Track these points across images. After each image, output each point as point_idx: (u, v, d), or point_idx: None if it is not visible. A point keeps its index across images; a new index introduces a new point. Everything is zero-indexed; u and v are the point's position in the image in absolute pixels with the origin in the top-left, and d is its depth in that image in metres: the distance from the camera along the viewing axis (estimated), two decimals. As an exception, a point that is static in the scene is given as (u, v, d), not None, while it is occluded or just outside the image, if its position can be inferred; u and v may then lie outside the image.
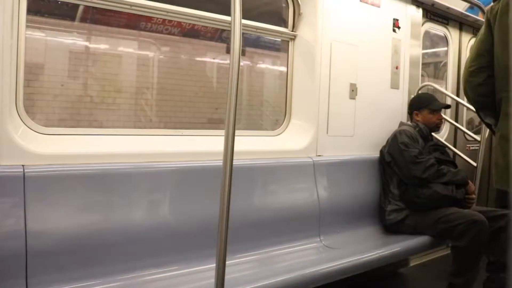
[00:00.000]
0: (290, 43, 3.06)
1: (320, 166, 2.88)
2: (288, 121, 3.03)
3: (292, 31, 3.04)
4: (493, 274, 2.81)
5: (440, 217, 2.75)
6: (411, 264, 3.72)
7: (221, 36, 3.38)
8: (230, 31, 1.58)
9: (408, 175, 2.89)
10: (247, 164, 2.53)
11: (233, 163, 1.65)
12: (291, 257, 2.49)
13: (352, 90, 3.18)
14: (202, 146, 2.52)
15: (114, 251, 2.03)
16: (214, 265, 1.61)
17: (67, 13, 2.71)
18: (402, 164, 2.92)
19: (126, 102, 3.09)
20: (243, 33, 1.68)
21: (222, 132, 1.66)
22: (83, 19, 2.78)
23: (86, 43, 2.92)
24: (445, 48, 4.60)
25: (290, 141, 2.92)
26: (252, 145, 2.73)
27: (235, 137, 1.64)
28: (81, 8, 2.70)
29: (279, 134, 2.99)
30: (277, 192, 2.67)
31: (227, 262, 1.63)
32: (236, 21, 1.56)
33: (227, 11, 1.68)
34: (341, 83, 3.11)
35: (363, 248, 2.62)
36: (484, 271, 2.77)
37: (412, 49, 3.69)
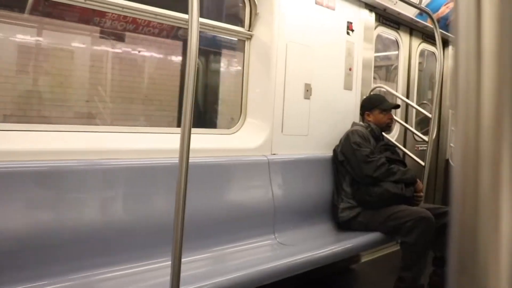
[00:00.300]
0: (246, 43, 3.09)
1: (275, 164, 2.91)
2: (243, 120, 3.05)
3: (249, 30, 3.06)
4: (438, 268, 2.95)
5: (390, 214, 2.85)
6: (363, 260, 3.83)
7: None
8: (186, 28, 1.58)
9: (360, 174, 2.98)
10: (202, 162, 2.53)
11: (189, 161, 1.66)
12: (246, 254, 2.51)
13: (307, 90, 3.24)
14: (156, 143, 2.50)
15: (65, 250, 1.97)
16: (170, 263, 1.60)
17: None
18: (354, 163, 3.00)
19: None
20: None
21: (178, 130, 1.65)
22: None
23: (31, 36, 2.86)
24: (396, 52, 4.77)
25: (246, 140, 2.94)
26: (207, 143, 2.73)
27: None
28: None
29: (234, 133, 3.00)
30: (232, 190, 2.69)
31: (182, 260, 1.62)
32: (194, 19, 1.56)
33: (182, 8, 1.68)
34: (296, 83, 3.16)
35: (316, 244, 2.68)
36: (431, 266, 2.89)
37: (365, 52, 3.80)
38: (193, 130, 2.60)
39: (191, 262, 2.24)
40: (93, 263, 2.03)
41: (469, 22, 0.52)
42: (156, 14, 2.63)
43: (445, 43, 5.16)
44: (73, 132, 2.30)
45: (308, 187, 3.12)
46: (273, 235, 2.78)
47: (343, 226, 3.08)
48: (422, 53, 5.04)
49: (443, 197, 4.99)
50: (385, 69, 5.37)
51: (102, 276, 2.02)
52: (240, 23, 3.09)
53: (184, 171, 1.64)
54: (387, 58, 5.28)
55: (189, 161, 1.64)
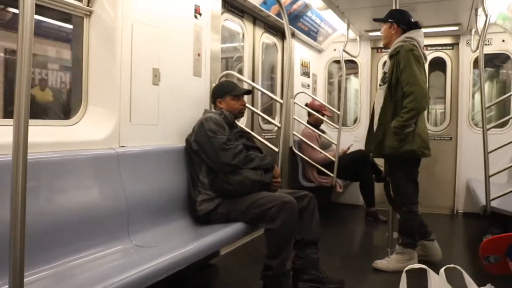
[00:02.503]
0: (85, 20, 2.66)
1: (124, 157, 2.58)
2: (84, 109, 2.64)
3: (88, 6, 2.65)
4: (300, 251, 2.95)
5: (252, 202, 2.75)
6: (222, 253, 3.71)
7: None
8: None
9: (218, 162, 2.82)
10: (37, 159, 2.07)
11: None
12: (98, 263, 2.13)
13: (155, 76, 2.96)
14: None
15: None
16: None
17: None
18: (211, 151, 2.84)
19: None
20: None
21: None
22: None
23: None
24: (238, 44, 4.76)
25: (89, 131, 2.54)
26: (40, 136, 2.27)
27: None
28: None
29: (75, 123, 2.58)
30: (78, 190, 2.28)
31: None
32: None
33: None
34: (144, 68, 2.86)
35: (176, 243, 2.43)
36: (292, 250, 2.87)
37: (213, 37, 3.65)
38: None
39: (32, 283, 1.82)
40: None
41: None
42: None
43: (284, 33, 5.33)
44: None
45: (163, 181, 2.85)
46: (128, 238, 2.44)
47: (202, 220, 2.88)
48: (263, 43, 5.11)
49: (289, 182, 5.16)
50: (225, 61, 5.32)
51: None
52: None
53: (21, 170, 1.32)
54: (228, 50, 5.27)
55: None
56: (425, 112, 5.90)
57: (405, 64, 3.29)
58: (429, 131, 5.64)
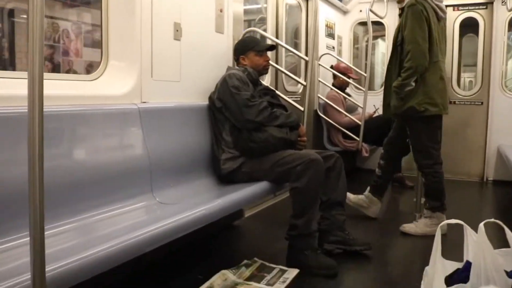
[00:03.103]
0: (103, -29, 2.56)
1: (147, 113, 2.51)
2: (105, 63, 2.56)
3: (105, -46, 2.54)
4: (326, 212, 2.87)
5: (277, 160, 2.65)
6: (246, 215, 3.66)
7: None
8: None
9: (241, 119, 2.73)
10: (58, 111, 2.02)
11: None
12: (121, 219, 2.09)
13: (177, 30, 2.85)
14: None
15: None
16: (28, 239, 1.23)
17: None
18: (235, 108, 2.74)
19: None
20: None
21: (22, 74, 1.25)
22: None
23: None
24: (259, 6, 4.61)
25: (110, 86, 2.46)
26: (61, 89, 2.21)
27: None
28: None
29: (96, 78, 2.49)
30: (99, 145, 2.22)
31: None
32: None
33: None
34: (165, 22, 2.75)
35: (200, 200, 2.37)
36: (318, 210, 2.79)
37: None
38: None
39: (55, 236, 1.78)
40: None
41: None
42: None
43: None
44: None
45: (186, 139, 2.77)
46: (152, 194, 2.39)
47: (226, 178, 2.81)
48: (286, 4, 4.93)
49: (314, 146, 5.05)
50: (247, 24, 5.17)
51: None
52: None
53: (38, 123, 1.25)
54: (250, 12, 5.11)
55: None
56: (452, 73, 5.73)
57: (406, 21, 3.25)
58: (458, 95, 5.44)
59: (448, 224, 1.88)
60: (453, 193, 5.03)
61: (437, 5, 3.32)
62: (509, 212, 2.23)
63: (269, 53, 3.23)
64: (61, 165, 2.01)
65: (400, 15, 3.41)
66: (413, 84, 3.23)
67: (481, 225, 1.75)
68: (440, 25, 3.40)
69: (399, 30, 3.34)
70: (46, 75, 2.35)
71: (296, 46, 5.36)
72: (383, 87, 3.63)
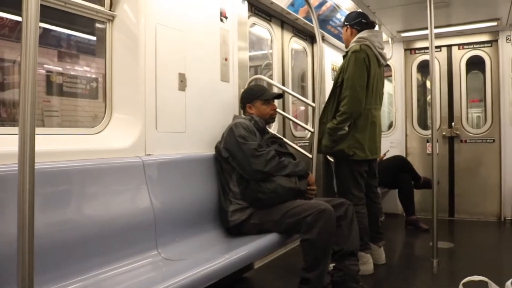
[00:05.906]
0: (108, 25, 2.58)
1: (151, 166, 2.46)
2: (109, 116, 2.53)
3: (110, 10, 2.56)
4: (339, 263, 2.76)
5: (286, 211, 2.57)
6: (256, 267, 3.53)
7: None
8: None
9: (249, 170, 2.66)
10: (58, 168, 1.97)
11: (37, 167, 1.22)
12: (125, 278, 2.00)
13: (181, 81, 2.84)
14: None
15: None
16: None
17: None
18: (242, 159, 2.68)
19: None
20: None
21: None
22: None
23: None
24: (265, 51, 4.63)
25: (114, 139, 2.43)
26: (63, 144, 2.18)
27: (37, 136, 1.25)
28: None
29: (100, 132, 2.47)
30: (102, 201, 2.16)
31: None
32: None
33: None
34: (169, 72, 2.75)
35: (207, 256, 2.28)
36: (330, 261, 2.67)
37: (240, 41, 3.53)
38: (42, 130, 2.07)
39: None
40: None
41: None
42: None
43: (313, 37, 5.17)
44: None
45: (192, 191, 2.70)
46: (156, 251, 2.30)
47: (234, 231, 2.72)
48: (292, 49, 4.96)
49: (325, 191, 4.95)
50: (253, 70, 5.20)
51: None
52: (99, 1, 2.57)
53: (28, 181, 1.20)
54: (256, 58, 5.14)
55: (38, 167, 1.24)
56: (461, 111, 5.68)
57: (348, 66, 3.36)
58: (469, 133, 5.38)
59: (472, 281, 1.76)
60: (471, 235, 4.88)
61: (379, 53, 3.49)
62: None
63: (276, 101, 3.20)
64: (65, 221, 1.95)
65: (344, 57, 3.52)
66: (346, 129, 3.33)
67: (508, 283, 1.63)
68: (380, 71, 3.55)
69: (341, 71, 3.43)
70: (51, 129, 2.37)
71: (303, 89, 5.36)
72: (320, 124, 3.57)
